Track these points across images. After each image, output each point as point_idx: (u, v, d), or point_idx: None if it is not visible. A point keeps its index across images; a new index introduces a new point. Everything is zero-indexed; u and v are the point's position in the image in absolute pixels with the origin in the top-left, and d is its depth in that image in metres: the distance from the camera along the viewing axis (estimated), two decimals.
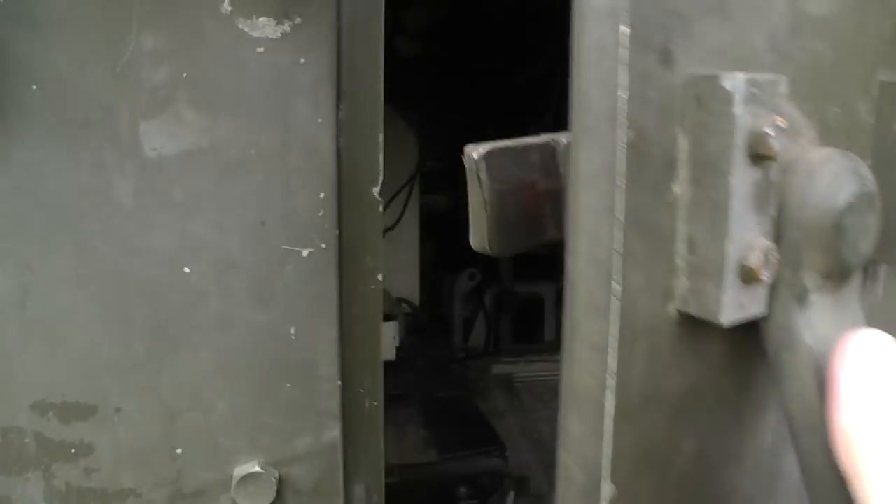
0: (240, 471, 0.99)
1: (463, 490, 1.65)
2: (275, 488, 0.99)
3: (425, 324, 3.06)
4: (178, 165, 0.90)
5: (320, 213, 0.93)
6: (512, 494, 1.69)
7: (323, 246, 0.94)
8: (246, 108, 0.89)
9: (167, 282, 0.93)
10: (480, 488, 1.67)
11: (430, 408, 2.14)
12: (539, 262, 4.68)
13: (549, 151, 0.61)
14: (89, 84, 0.86)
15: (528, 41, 4.54)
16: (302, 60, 0.89)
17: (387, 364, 2.35)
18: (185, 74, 0.88)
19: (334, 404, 0.99)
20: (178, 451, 0.98)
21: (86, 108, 0.87)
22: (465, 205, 0.66)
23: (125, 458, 0.98)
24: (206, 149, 0.90)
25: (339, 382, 0.99)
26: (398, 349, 2.59)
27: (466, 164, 0.60)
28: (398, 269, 3.08)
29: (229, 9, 0.87)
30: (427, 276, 5.46)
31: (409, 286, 3.10)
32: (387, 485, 1.69)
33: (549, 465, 2.92)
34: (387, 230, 2.99)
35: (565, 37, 0.47)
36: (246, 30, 0.88)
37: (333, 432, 1.00)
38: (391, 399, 2.13)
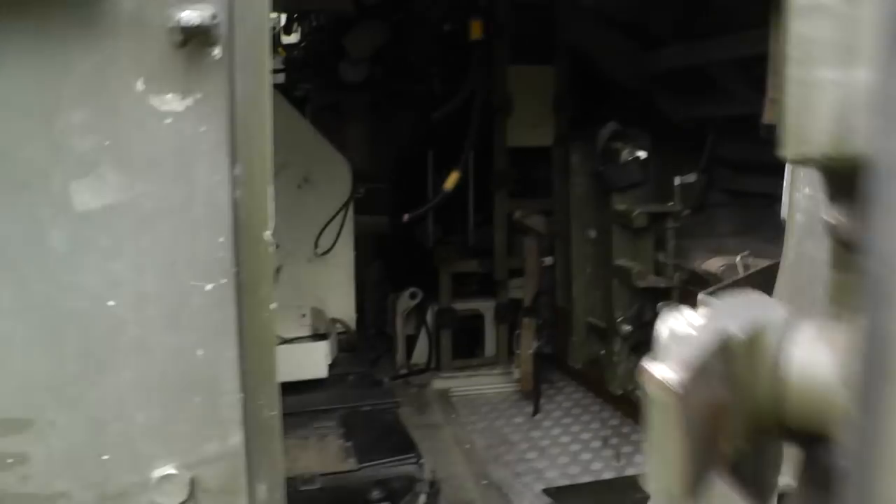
0: (157, 473, 1.17)
1: (376, 493, 1.84)
2: (188, 488, 1.17)
3: (358, 342, 3.25)
4: (103, 217, 1.09)
5: (220, 254, 1.13)
6: (423, 497, 1.89)
7: (223, 281, 1.14)
8: (157, 168, 1.09)
9: (94, 313, 1.11)
10: (393, 492, 1.86)
11: (355, 420, 2.33)
12: (477, 281, 4.91)
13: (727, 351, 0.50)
14: (28, 152, 1.05)
15: (459, 67, 4.77)
16: (202, 129, 1.09)
17: (318, 381, 2.53)
18: (107, 142, 1.07)
19: (236, 414, 1.18)
20: (105, 457, 1.16)
21: (26, 173, 1.06)
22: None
23: (57, 465, 1.15)
24: (126, 203, 1.09)
25: (240, 395, 1.18)
26: (330, 366, 2.79)
27: (651, 390, 0.46)
28: (335, 289, 3.26)
29: (142, 87, 1.07)
30: (373, 296, 5.64)
31: (345, 306, 3.29)
32: (309, 491, 1.88)
33: (478, 473, 3.13)
34: (323, 254, 3.18)
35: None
36: (156, 105, 1.07)
37: (236, 438, 1.19)
38: (317, 413, 2.32)
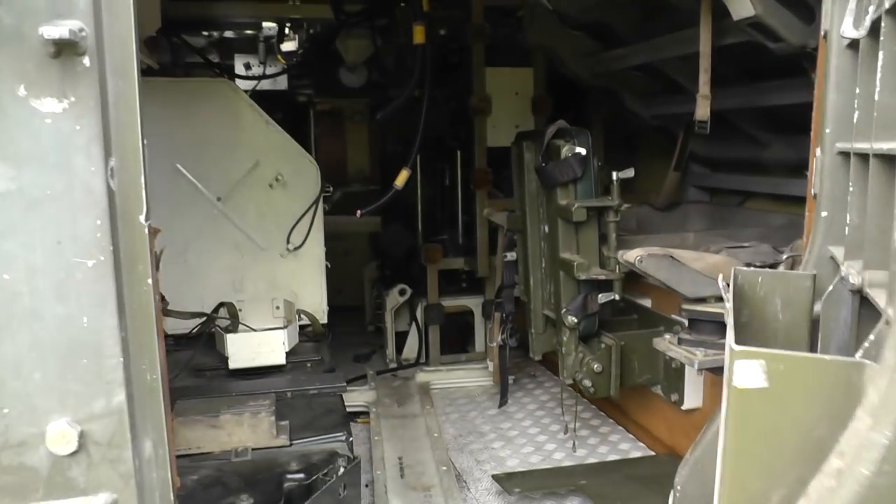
0: (52, 426, 1.35)
1: (294, 465, 1.99)
2: (78, 440, 1.35)
3: (326, 332, 3.41)
4: None
5: (98, 235, 1.30)
6: (341, 470, 2.03)
7: (102, 258, 1.30)
8: (41, 161, 1.26)
9: None
10: (313, 466, 2.01)
11: (300, 403, 2.49)
12: (466, 278, 5.05)
13: None
14: None
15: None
16: (77, 127, 1.26)
17: (278, 367, 2.69)
18: None
19: (119, 375, 1.35)
20: (5, 410, 1.34)
21: None
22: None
23: None
24: (14, 191, 1.27)
25: (122, 359, 1.35)
26: (290, 354, 2.95)
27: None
28: (306, 283, 3.43)
29: (24, 92, 1.24)
30: (370, 293, 5.80)
31: (316, 299, 3.46)
32: (240, 462, 2.05)
33: (440, 460, 3.27)
34: (294, 249, 3.35)
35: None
36: (37, 107, 1.25)
37: (120, 397, 1.36)
38: (267, 395, 2.48)
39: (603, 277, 2.67)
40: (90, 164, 1.28)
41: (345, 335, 5.71)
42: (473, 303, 4.92)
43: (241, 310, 3.38)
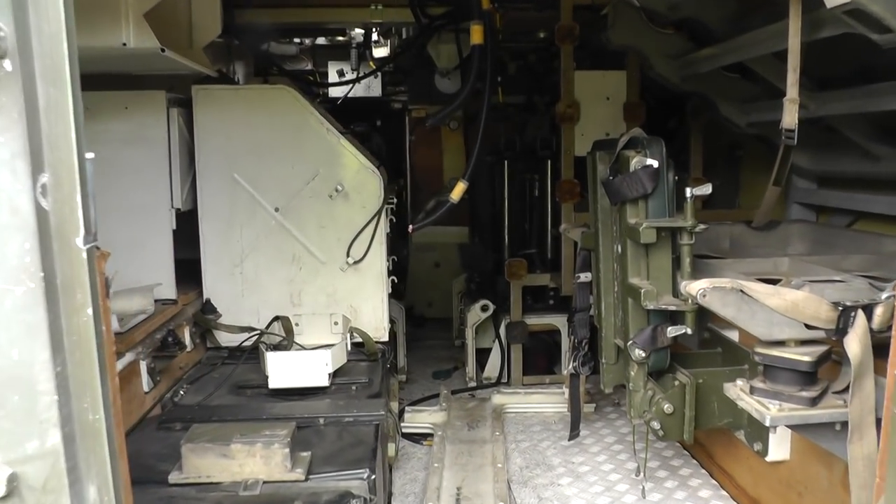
0: None
1: None
2: (9, 483, 1.22)
3: (387, 351, 3.24)
4: None
5: (27, 259, 1.16)
6: None
7: (32, 285, 1.17)
8: None
9: None
10: None
11: (330, 431, 2.32)
12: (554, 296, 4.76)
13: None
14: None
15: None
16: (1, 139, 1.13)
17: (321, 389, 2.55)
18: None
19: (53, 414, 1.21)
20: None
21: None
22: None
23: None
24: None
25: (56, 396, 1.21)
26: (336, 374, 2.80)
27: None
28: (367, 299, 3.28)
29: None
30: (458, 307, 5.61)
31: (377, 315, 3.30)
32: (245, 497, 1.89)
33: (499, 495, 3.02)
34: (355, 263, 3.21)
35: None
36: None
37: (55, 438, 1.22)
38: (300, 420, 2.33)
39: (673, 308, 2.34)
40: (16, 181, 1.15)
41: (430, 349, 5.56)
42: (561, 321, 4.63)
43: (297, 324, 3.27)
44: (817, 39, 2.34)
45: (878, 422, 1.78)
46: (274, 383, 2.66)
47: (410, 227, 3.28)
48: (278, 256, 3.25)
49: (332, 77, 5.99)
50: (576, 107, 4.09)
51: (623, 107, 4.14)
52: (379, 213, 3.20)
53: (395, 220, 3.72)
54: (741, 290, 1.83)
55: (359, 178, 3.21)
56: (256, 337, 3.06)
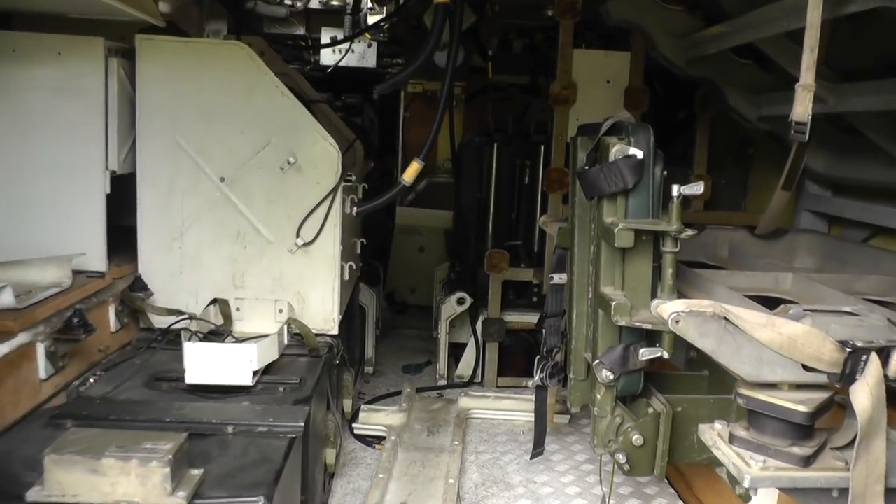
0: None
1: None
2: None
3: (337, 347, 2.90)
4: None
5: None
6: None
7: None
8: None
9: None
10: None
11: (235, 443, 1.99)
12: (538, 292, 4.39)
13: None
14: None
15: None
16: None
17: (244, 388, 2.19)
18: None
19: None
20: None
21: None
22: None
23: None
24: None
25: None
26: (267, 371, 2.46)
27: None
28: (316, 285, 2.93)
29: None
30: (437, 296, 5.26)
31: (326, 304, 2.95)
32: None
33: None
34: (305, 245, 2.86)
35: None
36: None
37: None
38: (199, 427, 2.00)
39: (649, 327, 1.98)
40: None
41: (407, 339, 5.23)
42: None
43: (238, 309, 2.93)
44: (842, 19, 1.96)
45: (889, 492, 1.43)
46: (191, 378, 2.32)
47: (354, 209, 2.92)
48: (222, 232, 2.90)
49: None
50: (572, 88, 3.71)
51: (625, 91, 3.76)
52: (334, 191, 2.84)
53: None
54: (725, 318, 1.47)
55: (315, 150, 2.85)
56: (188, 321, 2.72)
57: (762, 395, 1.51)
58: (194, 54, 2.83)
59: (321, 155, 2.86)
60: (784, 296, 2.44)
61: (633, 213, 2.06)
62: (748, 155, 4.10)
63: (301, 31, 5.72)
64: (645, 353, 2.01)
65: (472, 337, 4.36)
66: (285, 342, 2.69)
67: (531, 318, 4.29)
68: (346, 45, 5.47)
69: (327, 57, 5.72)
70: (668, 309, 1.54)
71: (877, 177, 2.67)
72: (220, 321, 2.83)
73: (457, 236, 4.63)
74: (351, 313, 3.65)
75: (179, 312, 2.73)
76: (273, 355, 2.49)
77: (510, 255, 4.16)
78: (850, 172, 3.00)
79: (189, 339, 2.44)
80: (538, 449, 2.93)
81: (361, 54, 5.74)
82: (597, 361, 2.11)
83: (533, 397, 3.88)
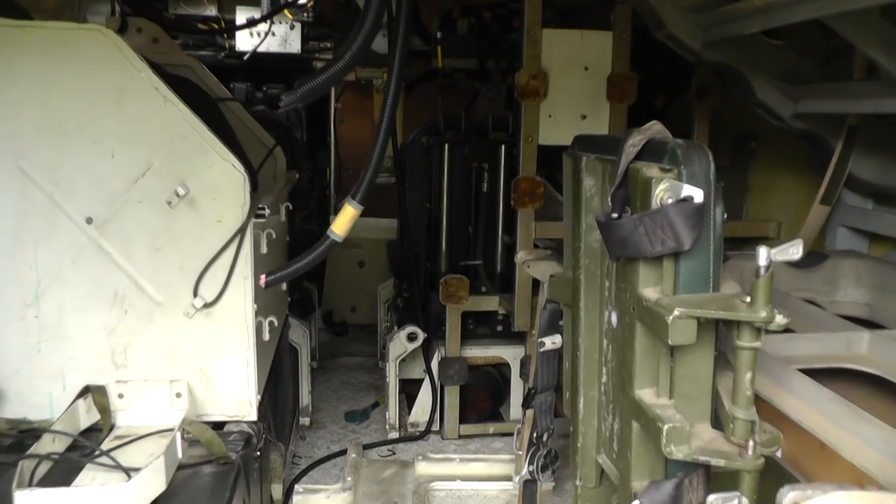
0: None
1: None
2: None
3: (256, 439, 2.14)
4: None
5: None
6: None
7: None
8: None
9: None
10: None
11: None
12: (503, 320, 3.73)
13: None
14: None
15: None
16: None
17: None
18: None
19: None
20: None
21: None
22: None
23: None
24: None
25: None
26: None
27: None
28: (225, 358, 2.19)
29: None
30: (383, 318, 4.53)
31: (239, 384, 2.21)
32: None
33: None
34: (207, 305, 2.10)
35: None
36: None
37: None
38: None
39: (722, 464, 1.30)
40: None
41: (349, 371, 4.50)
42: (511, 353, 3.63)
43: (121, 395, 2.15)
44: None
45: None
46: None
47: (262, 279, 2.16)
48: (93, 292, 2.11)
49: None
50: (543, 78, 3.01)
51: (607, 80, 3.08)
52: (241, 231, 2.08)
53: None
54: None
55: (213, 176, 2.08)
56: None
57: None
58: (40, 45, 2.02)
59: (222, 181, 2.09)
60: (864, 366, 1.81)
61: (687, 282, 1.38)
62: (749, 151, 3.48)
63: (212, 11, 4.87)
64: (715, 501, 1.33)
65: (427, 375, 3.66)
66: (179, 455, 1.92)
67: (496, 352, 3.64)
68: (264, 28, 4.66)
69: (245, 42, 4.89)
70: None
71: None
72: (93, 418, 2.05)
73: (402, 252, 3.90)
74: (277, 372, 2.90)
75: (26, 425, 1.94)
76: (159, 487, 1.73)
77: (469, 278, 3.47)
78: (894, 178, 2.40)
79: (28, 480, 1.65)
80: None
81: (283, 38, 4.93)
82: (636, 502, 1.42)
83: (504, 454, 3.25)
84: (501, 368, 3.75)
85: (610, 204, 1.45)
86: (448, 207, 3.59)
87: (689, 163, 1.36)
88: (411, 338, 3.57)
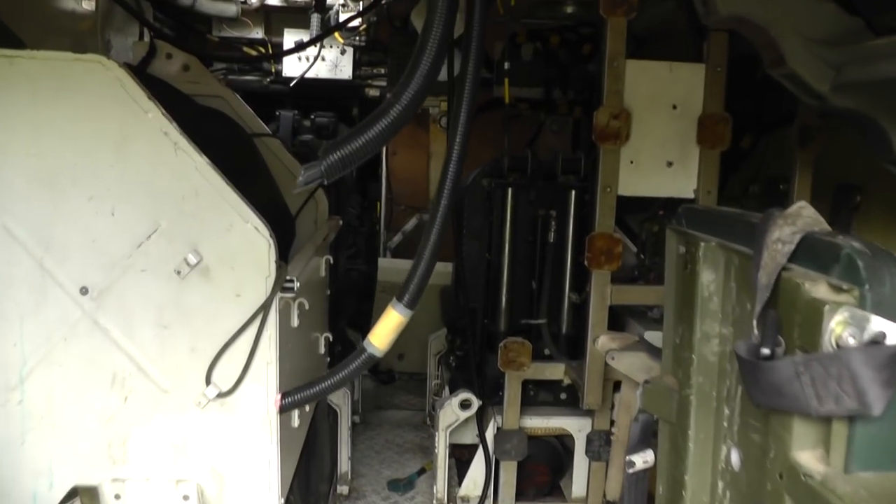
0: None
1: None
2: None
3: None
4: None
5: None
6: None
7: None
8: None
9: None
10: None
11: None
12: (569, 387, 3.30)
13: None
14: None
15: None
16: None
17: None
18: None
19: None
20: None
21: None
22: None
23: None
24: None
25: None
26: None
27: None
28: (242, 456, 1.82)
29: None
30: (434, 370, 4.16)
31: (261, 486, 1.84)
32: None
33: None
34: (221, 395, 1.74)
35: None
36: None
37: None
38: None
39: None
40: None
41: (394, 427, 4.12)
42: (576, 426, 3.20)
43: (118, 496, 1.80)
44: None
45: None
46: None
47: (277, 401, 1.78)
48: (88, 375, 1.78)
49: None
50: (625, 117, 2.60)
51: (698, 122, 2.64)
52: (264, 308, 1.72)
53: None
54: None
55: (231, 241, 1.73)
56: None
57: None
58: (27, 78, 1.70)
59: (242, 247, 1.74)
60: None
61: (867, 455, 0.95)
62: (854, 204, 2.98)
63: (259, 34, 4.61)
64: None
65: (481, 443, 3.25)
66: None
67: (559, 423, 3.21)
68: (313, 52, 4.36)
69: (293, 66, 4.61)
70: None
71: None
72: None
73: (457, 305, 3.50)
74: (312, 442, 2.54)
75: None
76: None
77: (531, 339, 3.05)
78: None
79: None
80: None
81: (334, 62, 4.64)
82: None
83: None
84: (563, 438, 3.33)
85: (755, 330, 1.03)
86: (510, 259, 3.19)
87: (878, 281, 0.93)
88: (464, 405, 3.17)
